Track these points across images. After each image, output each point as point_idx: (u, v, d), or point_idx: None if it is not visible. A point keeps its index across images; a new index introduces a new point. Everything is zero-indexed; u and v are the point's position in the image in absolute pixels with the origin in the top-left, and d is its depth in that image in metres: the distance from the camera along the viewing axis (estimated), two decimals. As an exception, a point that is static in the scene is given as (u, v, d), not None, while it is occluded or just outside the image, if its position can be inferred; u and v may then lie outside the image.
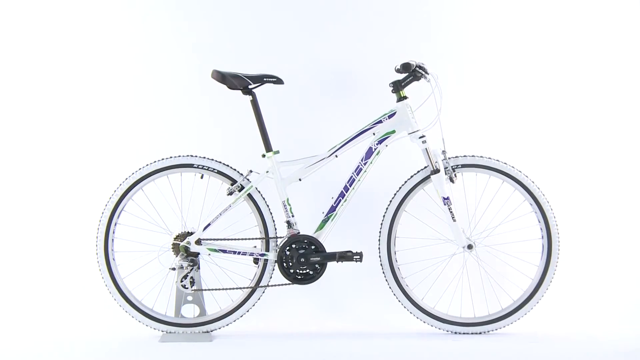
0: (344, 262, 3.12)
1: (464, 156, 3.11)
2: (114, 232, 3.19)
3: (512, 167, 3.10)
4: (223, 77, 3.08)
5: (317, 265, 3.10)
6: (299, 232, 3.14)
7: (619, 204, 3.68)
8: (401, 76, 3.09)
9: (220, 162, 3.17)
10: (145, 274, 3.26)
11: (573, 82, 3.69)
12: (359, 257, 3.08)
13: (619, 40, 3.68)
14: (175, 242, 3.14)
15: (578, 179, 3.68)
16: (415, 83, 3.09)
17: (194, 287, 3.13)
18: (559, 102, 3.69)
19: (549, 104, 3.69)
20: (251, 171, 3.16)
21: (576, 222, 3.60)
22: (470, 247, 3.08)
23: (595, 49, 3.68)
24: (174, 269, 3.12)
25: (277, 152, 3.15)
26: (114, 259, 3.20)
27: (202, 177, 3.20)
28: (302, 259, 3.09)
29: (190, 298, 3.19)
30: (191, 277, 3.12)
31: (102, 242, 3.17)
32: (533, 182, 3.10)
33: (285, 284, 3.13)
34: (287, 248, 3.11)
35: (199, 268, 3.16)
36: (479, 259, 3.24)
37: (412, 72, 3.04)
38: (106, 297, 3.23)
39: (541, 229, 3.11)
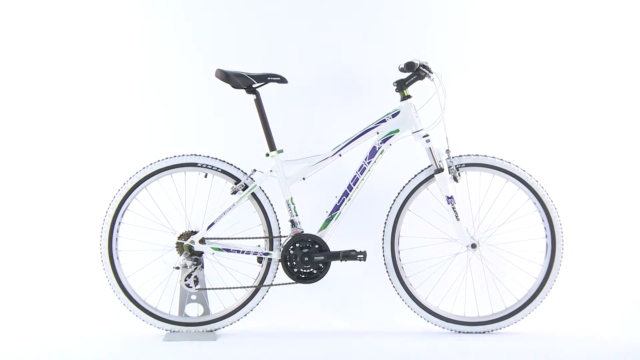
0: (347, 262, 3.12)
1: (468, 155, 3.11)
2: (118, 232, 3.19)
3: (516, 166, 3.09)
4: (227, 76, 3.07)
5: (320, 265, 3.10)
6: (302, 231, 3.13)
7: (622, 203, 3.70)
8: (405, 75, 3.09)
9: (224, 161, 3.17)
10: (150, 273, 3.26)
11: (577, 81, 3.70)
12: (362, 256, 3.08)
13: (623, 38, 3.69)
14: (179, 241, 3.14)
15: (582, 178, 3.70)
16: (419, 82, 3.08)
17: (198, 286, 3.14)
18: (562, 100, 3.71)
19: (552, 103, 3.71)
20: (255, 170, 3.16)
21: (580, 221, 3.62)
22: (474, 246, 3.07)
23: (599, 47, 3.70)
24: (177, 268, 3.12)
25: (281, 151, 3.15)
26: (118, 258, 3.20)
27: (205, 176, 3.20)
28: (306, 258, 3.09)
29: (194, 297, 3.19)
30: (195, 276, 3.13)
31: (106, 241, 3.17)
32: (537, 181, 3.09)
33: (289, 283, 3.13)
34: (291, 247, 3.11)
35: (202, 267, 3.16)
36: (483, 258, 3.24)
37: (415, 71, 3.03)
38: (110, 296, 3.23)
39: (545, 228, 3.10)
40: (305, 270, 3.11)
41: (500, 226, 3.27)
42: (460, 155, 3.11)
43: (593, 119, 3.70)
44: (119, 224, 3.20)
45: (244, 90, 3.11)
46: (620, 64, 3.69)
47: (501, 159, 3.10)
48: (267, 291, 3.20)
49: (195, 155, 3.18)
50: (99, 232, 3.19)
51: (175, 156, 3.18)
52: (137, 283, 3.24)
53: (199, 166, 3.17)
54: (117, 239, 3.20)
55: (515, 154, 3.35)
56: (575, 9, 3.67)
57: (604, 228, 3.67)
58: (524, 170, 3.09)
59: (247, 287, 3.20)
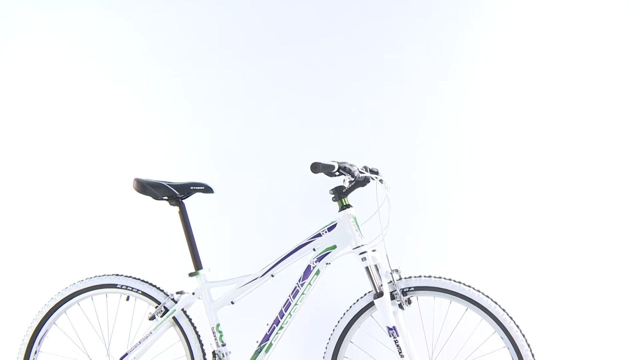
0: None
1: (418, 277, 2.55)
2: (35, 362, 2.88)
3: (478, 291, 2.50)
4: (143, 187, 2.75)
5: (244, 408, 2.62)
6: (223, 367, 2.68)
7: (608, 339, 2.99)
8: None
9: (144, 282, 2.80)
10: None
11: (541, 188, 3.12)
12: (278, 401, 2.57)
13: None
14: (92, 374, 2.78)
15: (560, 303, 3.05)
16: (361, 189, 2.62)
17: None
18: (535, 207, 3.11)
19: (524, 215, 3.13)
20: (181, 292, 2.77)
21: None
22: (424, 390, 2.49)
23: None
24: (85, 407, 2.74)
25: (208, 269, 2.75)
26: (33, 393, 2.87)
27: (127, 299, 2.84)
28: (226, 400, 2.62)
29: None
30: (107, 417, 2.73)
31: (20, 373, 2.86)
32: (504, 310, 2.48)
33: None
34: (211, 385, 2.66)
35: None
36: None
37: (355, 176, 2.58)
38: None
39: (516, 370, 2.47)
40: (227, 414, 2.64)
41: (460, 365, 2.66)
42: (409, 277, 2.57)
43: (564, 232, 3.10)
44: (36, 352, 2.87)
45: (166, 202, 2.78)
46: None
47: (459, 282, 2.51)
48: None
49: (116, 275, 2.84)
50: (13, 362, 2.89)
51: (95, 277, 2.86)
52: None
53: (118, 287, 2.82)
54: (33, 369, 2.87)
55: (484, 273, 2.79)
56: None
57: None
58: (487, 297, 2.49)
59: None
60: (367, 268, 2.54)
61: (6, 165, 3.61)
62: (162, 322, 2.73)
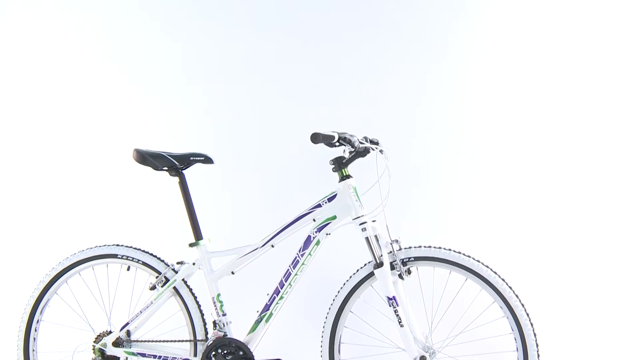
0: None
1: (418, 247, 2.56)
2: (36, 331, 2.89)
3: (477, 261, 2.50)
4: (143, 158, 2.74)
5: (244, 376, 2.64)
6: (224, 335, 2.69)
7: (605, 308, 3.00)
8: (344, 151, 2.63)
9: (145, 252, 2.81)
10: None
11: (542, 164, 3.10)
12: (278, 370, 2.59)
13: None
14: (93, 343, 2.78)
15: (559, 271, 3.05)
16: (361, 160, 2.62)
17: (111, 396, 2.75)
18: (535, 179, 3.11)
19: (525, 186, 3.12)
20: (182, 262, 2.78)
21: (559, 329, 2.94)
22: (423, 358, 2.49)
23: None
24: (87, 375, 2.76)
25: (208, 240, 2.76)
26: (35, 360, 2.89)
27: (128, 269, 2.85)
28: (227, 367, 2.64)
29: (126, 407, 2.81)
30: (109, 385, 2.75)
31: (22, 342, 2.87)
32: (504, 280, 2.48)
33: (211, 397, 2.68)
34: (212, 353, 2.67)
35: (119, 374, 2.78)
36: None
37: (355, 147, 2.57)
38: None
39: (515, 339, 2.47)
40: (228, 382, 2.66)
41: (459, 334, 2.66)
42: (409, 247, 2.57)
43: (563, 206, 3.09)
44: (38, 321, 2.89)
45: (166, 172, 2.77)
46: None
47: (458, 252, 2.52)
48: (192, 404, 2.76)
49: (117, 245, 2.85)
50: (15, 332, 2.90)
51: (96, 247, 2.86)
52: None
53: (119, 257, 2.83)
54: (35, 338, 2.89)
55: (484, 243, 2.79)
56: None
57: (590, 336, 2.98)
58: (486, 267, 2.49)
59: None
60: (367, 238, 2.55)
61: (6, 138, 3.59)
62: (162, 292, 2.74)
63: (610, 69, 3.08)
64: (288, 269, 2.65)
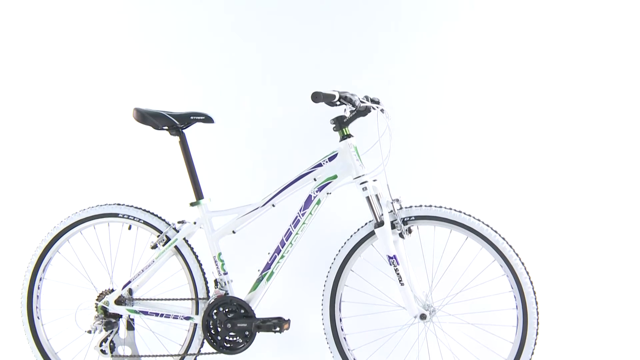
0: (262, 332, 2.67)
1: (419, 206, 2.56)
2: (39, 289, 2.91)
3: (478, 220, 2.51)
4: (143, 117, 2.72)
5: (246, 333, 2.66)
6: (226, 293, 2.71)
7: (604, 267, 3.01)
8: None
9: (146, 211, 2.82)
10: (76, 335, 2.95)
11: (549, 120, 3.08)
12: (278, 328, 2.61)
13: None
14: (95, 301, 2.81)
15: (558, 231, 3.05)
16: (362, 119, 2.60)
17: (114, 353, 2.78)
18: (537, 140, 3.09)
19: (527, 142, 3.10)
20: (183, 222, 2.79)
21: (558, 287, 2.95)
22: (423, 317, 2.51)
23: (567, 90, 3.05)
24: (90, 331, 2.77)
25: (209, 199, 2.76)
26: (39, 318, 2.91)
27: (129, 228, 2.86)
28: (229, 325, 2.66)
29: (127, 362, 2.85)
30: (111, 341, 2.77)
31: (26, 300, 2.89)
32: (504, 239, 2.49)
33: (213, 353, 2.71)
34: (214, 311, 2.69)
35: (118, 331, 2.80)
36: (437, 332, 2.67)
37: (356, 106, 2.55)
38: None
39: (515, 297, 2.49)
40: (230, 339, 2.68)
41: (459, 293, 2.68)
42: (410, 207, 2.57)
43: (566, 164, 3.07)
44: (41, 279, 2.91)
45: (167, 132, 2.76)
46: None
47: (459, 211, 2.52)
48: (194, 360, 2.80)
49: (118, 204, 2.85)
50: (19, 289, 2.92)
51: (97, 206, 2.87)
52: (63, 346, 2.95)
53: (120, 217, 2.83)
54: (38, 296, 2.91)
55: (484, 202, 2.78)
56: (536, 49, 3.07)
57: (586, 295, 3.00)
58: (487, 226, 2.50)
59: (166, 355, 2.78)
60: (367, 198, 2.55)
61: (6, 97, 3.56)
62: (164, 250, 2.75)
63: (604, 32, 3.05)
64: (289, 228, 2.66)
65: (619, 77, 3.03)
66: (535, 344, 2.46)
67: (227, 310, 2.68)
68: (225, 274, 2.73)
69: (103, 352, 2.77)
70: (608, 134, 3.04)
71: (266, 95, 3.31)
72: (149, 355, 2.79)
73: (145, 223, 2.81)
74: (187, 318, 2.74)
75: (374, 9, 3.23)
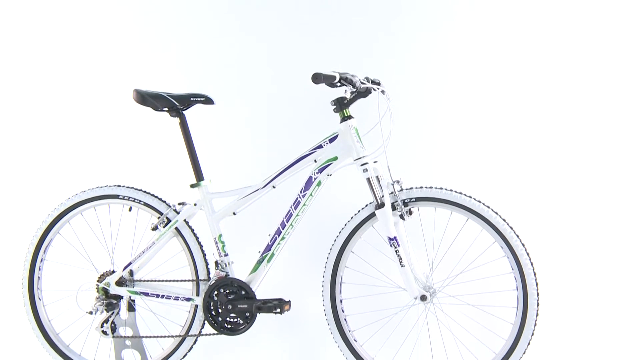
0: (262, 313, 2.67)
1: (420, 188, 2.56)
2: (40, 270, 2.92)
3: (478, 201, 2.51)
4: (143, 98, 2.71)
5: (247, 314, 2.67)
6: (226, 275, 2.71)
7: (605, 247, 3.01)
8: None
9: (146, 193, 2.81)
10: (77, 316, 2.96)
11: (550, 107, 3.06)
12: (278, 309, 2.61)
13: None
14: (96, 282, 2.82)
15: (561, 214, 3.04)
16: (362, 100, 2.59)
17: (116, 334, 2.79)
18: (538, 125, 3.07)
19: (527, 127, 3.07)
20: (183, 203, 2.79)
21: (558, 268, 2.96)
22: (424, 298, 2.52)
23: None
24: (91, 312, 2.78)
25: (209, 181, 2.75)
26: (40, 299, 2.93)
27: (130, 210, 2.86)
28: (230, 306, 2.67)
29: (128, 343, 2.85)
30: (112, 322, 2.79)
31: (27, 281, 2.90)
32: (504, 220, 2.49)
33: (214, 334, 2.72)
34: (215, 293, 2.70)
35: (119, 312, 2.81)
36: (437, 313, 2.68)
37: (356, 87, 2.54)
38: (32, 342, 2.96)
39: (515, 279, 2.49)
40: (230, 320, 2.69)
41: (459, 274, 2.68)
42: (410, 188, 2.57)
43: (566, 148, 3.05)
44: (42, 261, 2.92)
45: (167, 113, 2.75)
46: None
47: (460, 193, 2.51)
48: (195, 342, 2.81)
49: (118, 186, 2.85)
50: (20, 270, 2.92)
51: (97, 187, 2.86)
52: (64, 326, 2.96)
53: (120, 198, 2.83)
54: (39, 277, 2.92)
55: (485, 186, 2.77)
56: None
57: (586, 277, 3.00)
58: (487, 207, 2.49)
59: (168, 336, 2.80)
60: (368, 179, 2.54)
61: (6, 81, 3.55)
62: (164, 232, 2.75)
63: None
64: (289, 210, 2.66)
65: (615, 63, 3.01)
66: (535, 325, 2.47)
67: (227, 291, 2.69)
68: (226, 255, 2.74)
69: (104, 333, 2.78)
70: (611, 116, 3.02)
71: (266, 76, 3.29)
72: (150, 336, 2.81)
73: (146, 204, 2.81)
74: (188, 299, 2.75)
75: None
